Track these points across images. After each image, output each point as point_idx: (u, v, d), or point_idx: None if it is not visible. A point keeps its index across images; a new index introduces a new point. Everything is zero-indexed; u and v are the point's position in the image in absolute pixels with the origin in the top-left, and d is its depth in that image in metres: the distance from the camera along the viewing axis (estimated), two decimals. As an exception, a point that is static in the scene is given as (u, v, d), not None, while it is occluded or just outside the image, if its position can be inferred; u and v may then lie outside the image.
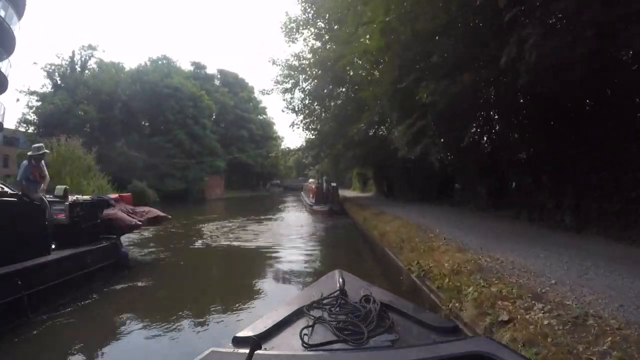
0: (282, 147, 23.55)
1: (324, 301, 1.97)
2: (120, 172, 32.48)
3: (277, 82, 22.00)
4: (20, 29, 23.50)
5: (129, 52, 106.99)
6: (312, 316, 1.81)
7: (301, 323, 1.79)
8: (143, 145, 35.14)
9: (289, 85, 21.95)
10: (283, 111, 24.25)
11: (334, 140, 21.18)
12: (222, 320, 5.39)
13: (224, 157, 41.07)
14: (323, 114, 22.81)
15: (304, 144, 24.53)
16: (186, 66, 46.32)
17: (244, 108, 48.12)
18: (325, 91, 21.17)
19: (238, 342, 1.61)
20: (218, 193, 39.34)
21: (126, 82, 36.28)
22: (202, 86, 41.69)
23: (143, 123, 36.55)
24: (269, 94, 22.82)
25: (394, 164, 22.59)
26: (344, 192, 36.81)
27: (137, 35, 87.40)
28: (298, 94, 22.43)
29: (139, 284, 7.11)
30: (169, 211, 10.89)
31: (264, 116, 54.64)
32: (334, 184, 22.36)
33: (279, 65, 21.81)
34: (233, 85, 49.49)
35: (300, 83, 21.64)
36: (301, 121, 22.89)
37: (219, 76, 50.33)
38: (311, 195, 24.82)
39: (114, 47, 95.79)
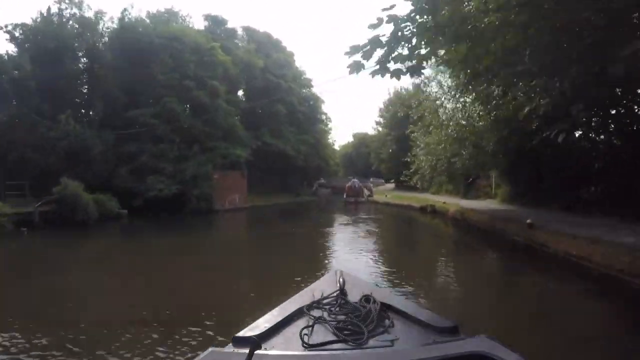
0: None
1: (324, 301, 1.96)
2: (62, 163, 19.39)
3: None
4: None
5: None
6: (312, 316, 1.79)
7: (301, 323, 1.77)
8: (112, 122, 21.64)
9: None
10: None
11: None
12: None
13: (248, 142, 26.65)
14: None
15: None
16: (199, 24, 32.52)
17: (279, 74, 32.74)
18: None
19: (238, 342, 1.56)
20: (236, 200, 24.37)
21: (91, 27, 23.07)
22: (217, 41, 27.67)
23: (116, 89, 22.56)
24: None
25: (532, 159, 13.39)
26: (434, 197, 22.12)
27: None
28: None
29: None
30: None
31: (309, 89, 38.28)
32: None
33: None
34: (264, 45, 34.82)
35: None
36: None
37: (244, 36, 36.08)
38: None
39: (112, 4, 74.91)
